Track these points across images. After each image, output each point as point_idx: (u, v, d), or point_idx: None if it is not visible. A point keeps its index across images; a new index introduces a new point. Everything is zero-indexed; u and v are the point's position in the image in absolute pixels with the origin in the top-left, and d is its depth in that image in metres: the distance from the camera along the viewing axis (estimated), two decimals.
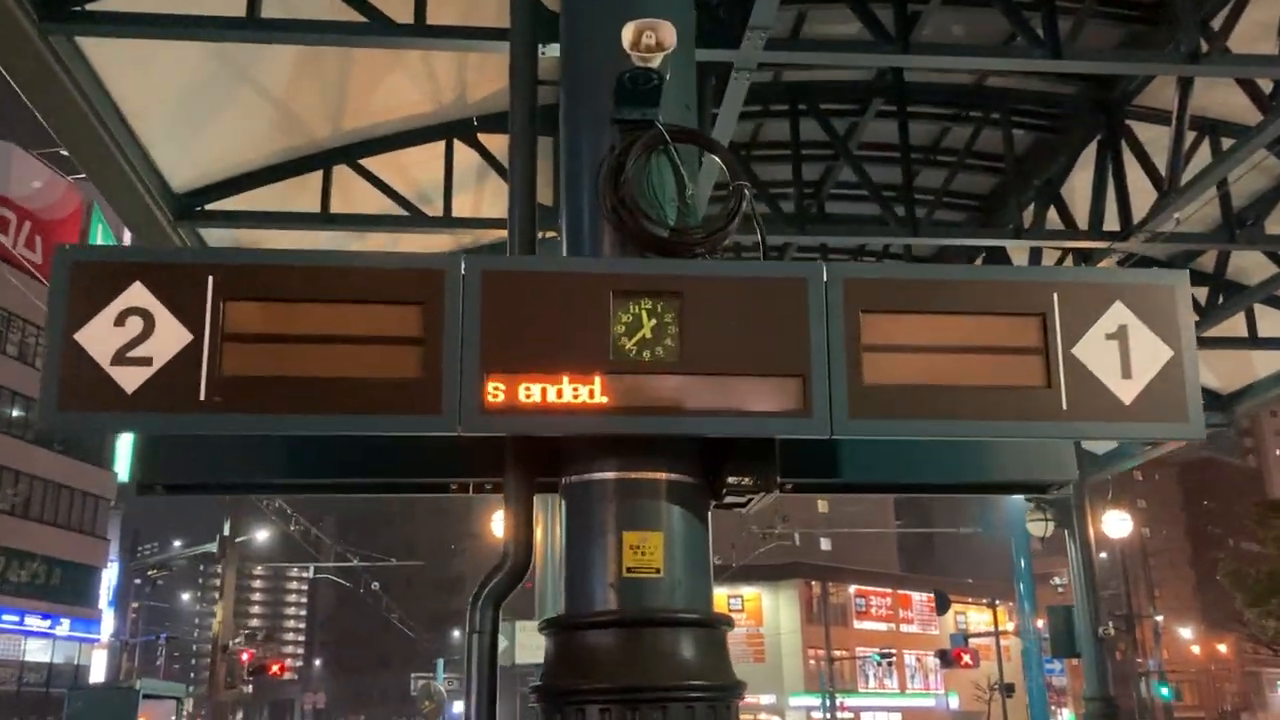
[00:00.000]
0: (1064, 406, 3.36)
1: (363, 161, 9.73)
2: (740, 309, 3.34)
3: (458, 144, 9.86)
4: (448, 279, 3.27)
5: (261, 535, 31.95)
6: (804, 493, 4.19)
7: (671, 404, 3.24)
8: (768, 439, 3.47)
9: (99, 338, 3.18)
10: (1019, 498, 16.71)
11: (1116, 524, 16.76)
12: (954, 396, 3.36)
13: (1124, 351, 3.42)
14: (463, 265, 3.27)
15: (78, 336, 3.26)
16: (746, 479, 3.51)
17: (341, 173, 9.69)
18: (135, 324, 3.19)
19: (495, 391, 3.21)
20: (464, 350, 3.20)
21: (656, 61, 3.51)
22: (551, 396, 3.23)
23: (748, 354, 3.30)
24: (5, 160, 16.36)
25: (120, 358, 3.16)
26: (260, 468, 3.95)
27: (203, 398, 3.12)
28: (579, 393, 3.23)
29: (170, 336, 3.17)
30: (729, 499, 3.62)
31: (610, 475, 3.51)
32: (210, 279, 3.23)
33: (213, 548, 25.01)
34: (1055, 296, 3.43)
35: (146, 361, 3.16)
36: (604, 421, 3.24)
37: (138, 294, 3.29)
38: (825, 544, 60.68)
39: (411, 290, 3.27)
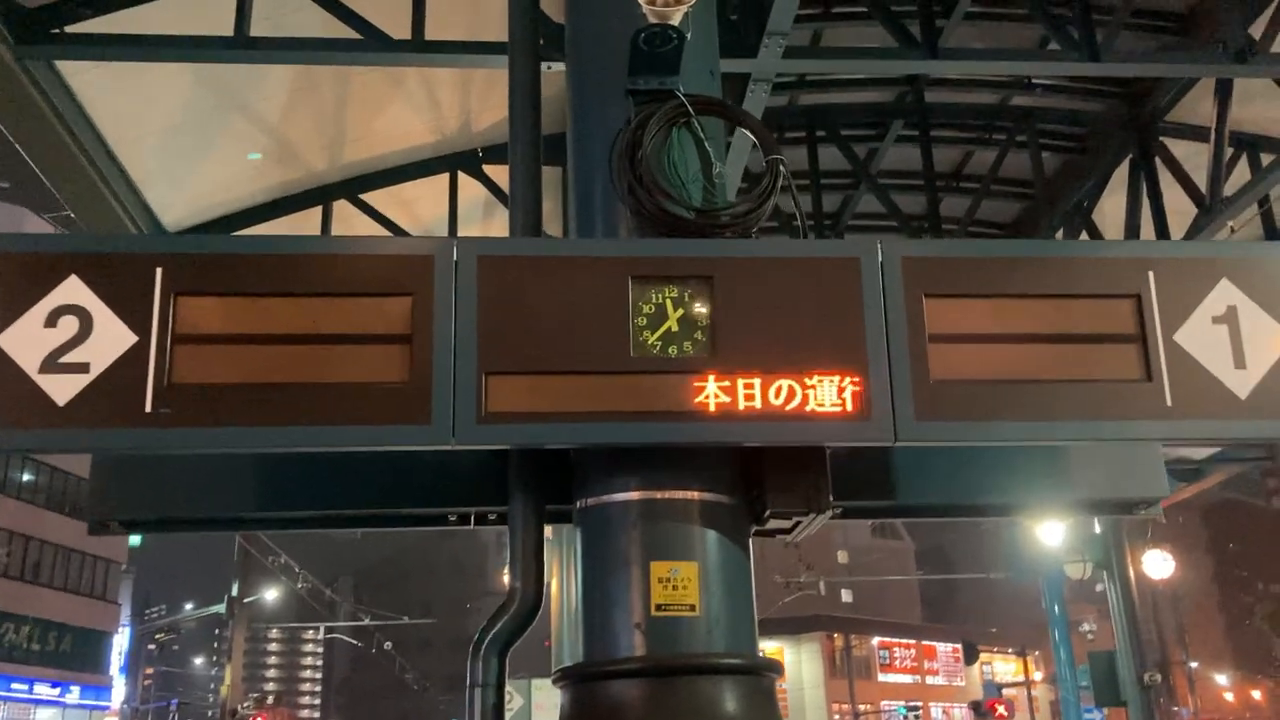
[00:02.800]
0: (1168, 403, 3.03)
1: (364, 196, 9.40)
2: (782, 295, 3.06)
3: (462, 177, 9.51)
4: (438, 266, 2.98)
5: (271, 595, 31.38)
6: (856, 516, 3.75)
7: (704, 408, 2.94)
8: (817, 448, 3.16)
9: (25, 341, 2.82)
10: (1051, 536, 16.11)
11: (1158, 564, 16.05)
12: (1036, 394, 3.05)
13: (1235, 337, 3.09)
14: (455, 250, 3.00)
15: (0, 341, 2.83)
16: (793, 498, 3.17)
17: (342, 208, 9.35)
18: (69, 325, 2.85)
19: (495, 396, 2.92)
20: (458, 348, 2.92)
21: (676, 18, 3.22)
22: (562, 401, 2.94)
23: (792, 348, 3.01)
24: (18, 225, 16.19)
25: (51, 364, 2.82)
26: (228, 498, 3.55)
27: (149, 409, 2.79)
28: (594, 396, 2.95)
29: (110, 338, 2.84)
30: (772, 522, 3.27)
31: (633, 495, 3.20)
32: (159, 270, 2.91)
33: (221, 609, 24.50)
34: (1151, 275, 3.12)
35: (82, 368, 2.82)
36: (624, 430, 2.95)
37: (73, 289, 2.90)
38: (846, 595, 59.82)
39: (396, 280, 2.98)
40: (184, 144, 8.24)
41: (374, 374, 2.89)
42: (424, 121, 9.01)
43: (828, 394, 2.98)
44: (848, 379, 2.99)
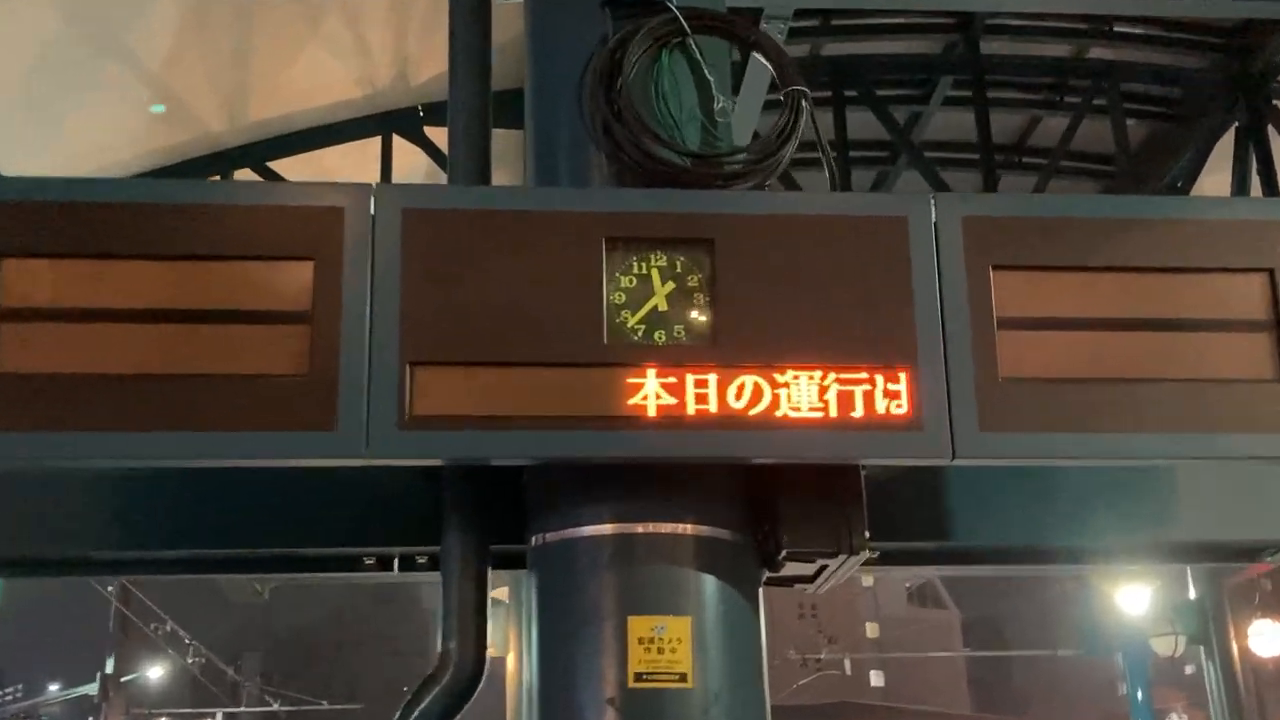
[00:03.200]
0: None
1: (272, 164, 9.40)
2: (805, 266, 3.00)
3: (398, 141, 9.51)
4: (349, 222, 2.92)
5: (156, 672, 31.09)
6: (897, 563, 3.69)
7: (700, 413, 2.88)
8: (850, 469, 3.11)
9: None
10: (1133, 602, 16.00)
11: (1268, 638, 15.89)
12: (1137, 397, 2.98)
13: None
14: (373, 200, 2.95)
15: None
16: (818, 534, 3.11)
17: (245, 179, 9.23)
18: None
19: (423, 394, 2.85)
20: (374, 330, 2.86)
21: None
22: (513, 402, 2.87)
23: (817, 335, 2.97)
24: None
25: None
26: (76, 533, 3.49)
27: None
28: (556, 396, 2.89)
29: None
30: (789, 566, 3.20)
31: (606, 529, 3.13)
32: None
33: (93, 690, 24.25)
34: None
35: None
36: (596, 440, 2.88)
37: None
38: (876, 678, 59.71)
39: (293, 239, 2.91)
40: (44, 96, 8.08)
41: (261, 364, 2.83)
42: (349, 71, 8.94)
43: (864, 397, 2.92)
44: (890, 377, 2.94)
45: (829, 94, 10.22)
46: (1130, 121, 10.45)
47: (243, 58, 8.56)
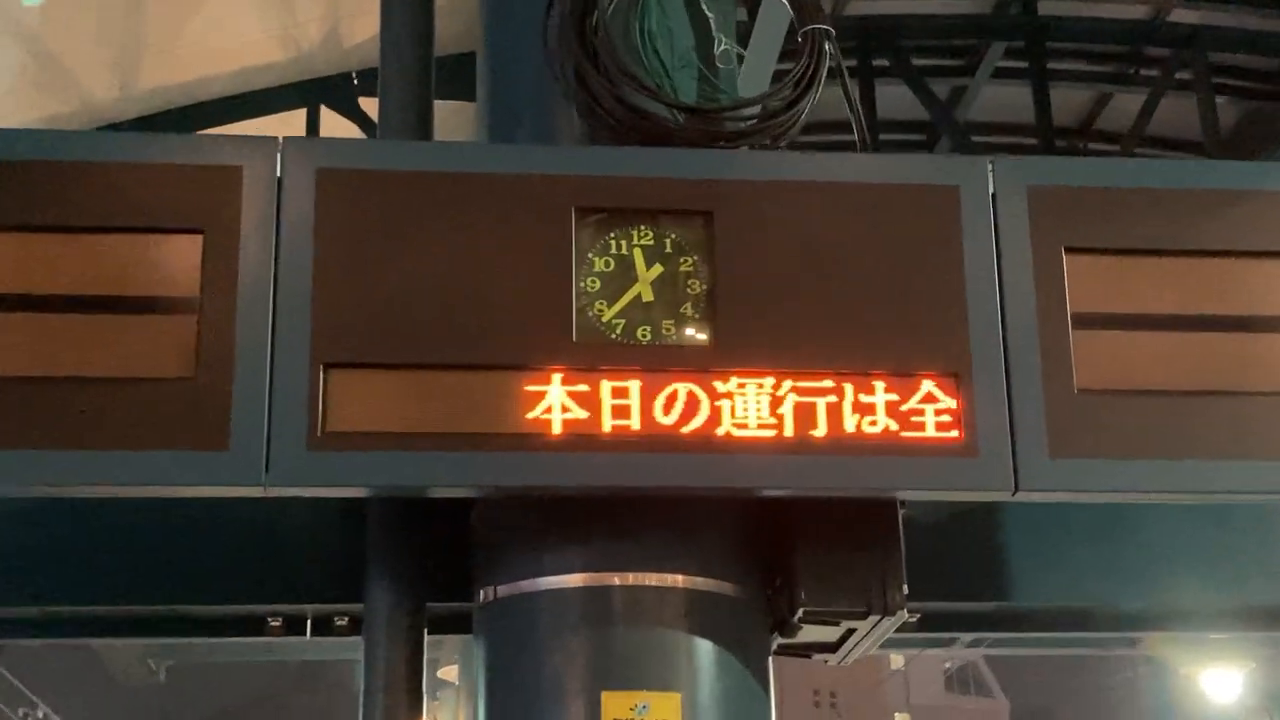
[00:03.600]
0: None
1: None
2: (828, 247, 3.02)
3: (327, 114, 9.50)
4: (249, 185, 2.93)
5: None
6: (940, 629, 3.74)
7: (703, 431, 2.88)
8: (885, 504, 3.12)
9: None
10: (1221, 687, 16.02)
11: None
12: (1248, 415, 2.99)
13: None
14: (280, 157, 2.96)
15: None
16: (844, 589, 3.11)
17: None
18: None
19: (340, 405, 2.84)
20: (278, 323, 2.86)
21: None
22: (455, 416, 2.87)
23: (843, 334, 2.98)
24: None
25: None
26: None
27: None
28: (511, 408, 2.87)
29: None
30: (806, 630, 3.21)
31: (575, 580, 3.11)
32: None
33: None
34: None
35: None
36: (562, 466, 2.88)
37: None
38: None
39: (178, 206, 2.91)
40: None
41: (133, 365, 2.81)
42: (268, 28, 8.88)
43: (902, 413, 2.91)
44: (937, 387, 2.93)
45: (854, 63, 10.17)
46: (1220, 99, 10.44)
47: (135, 13, 8.52)
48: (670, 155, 3.15)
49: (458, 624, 3.36)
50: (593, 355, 2.89)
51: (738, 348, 2.92)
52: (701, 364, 2.90)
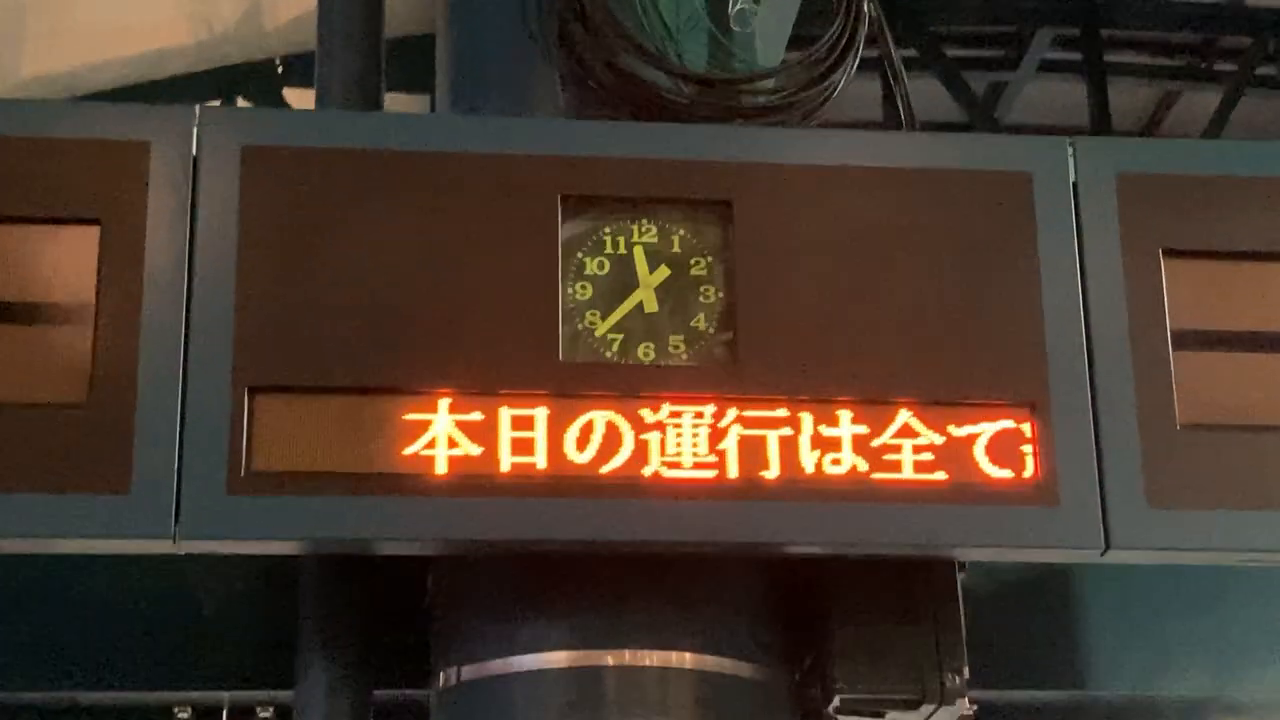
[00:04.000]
0: None
1: None
2: (869, 246, 3.03)
3: (245, 106, 9.33)
4: (157, 166, 2.92)
5: None
6: None
7: (710, 480, 2.89)
8: (939, 568, 3.12)
9: None
10: None
11: None
12: None
13: None
14: (196, 133, 2.95)
15: None
16: (890, 670, 3.08)
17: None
18: None
19: (268, 439, 2.84)
20: (192, 336, 2.85)
21: None
22: (410, 456, 2.85)
23: (891, 354, 2.98)
24: None
25: None
26: None
27: None
28: (481, 445, 2.86)
29: None
30: None
31: (556, 659, 3.10)
32: None
33: None
34: None
35: None
36: (544, 516, 2.86)
37: None
38: None
39: (70, 192, 2.92)
40: None
41: (13, 388, 2.79)
42: (175, 7, 8.91)
43: (961, 451, 2.91)
44: (1007, 419, 2.93)
45: (875, 54, 10.25)
46: None
47: None
48: (679, 132, 3.15)
49: (411, 715, 3.37)
50: (583, 378, 2.88)
51: (763, 373, 2.91)
52: (709, 386, 2.89)
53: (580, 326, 2.92)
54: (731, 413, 2.85)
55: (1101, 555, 2.87)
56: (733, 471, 2.85)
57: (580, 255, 2.95)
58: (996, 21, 10.16)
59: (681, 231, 2.98)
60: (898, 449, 2.88)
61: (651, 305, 2.94)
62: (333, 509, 2.81)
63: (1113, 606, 3.54)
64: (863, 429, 2.88)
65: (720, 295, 2.95)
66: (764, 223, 2.98)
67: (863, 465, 2.86)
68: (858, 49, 3.41)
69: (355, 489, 2.82)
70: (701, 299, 2.96)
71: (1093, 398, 2.92)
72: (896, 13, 10.00)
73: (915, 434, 2.88)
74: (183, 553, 2.81)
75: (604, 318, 2.93)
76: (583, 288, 2.93)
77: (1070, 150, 3.08)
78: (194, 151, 2.91)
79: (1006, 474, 2.88)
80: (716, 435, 2.86)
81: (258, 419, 2.79)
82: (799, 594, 3.19)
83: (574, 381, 2.88)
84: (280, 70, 9.21)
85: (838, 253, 2.99)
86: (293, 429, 2.82)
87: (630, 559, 3.03)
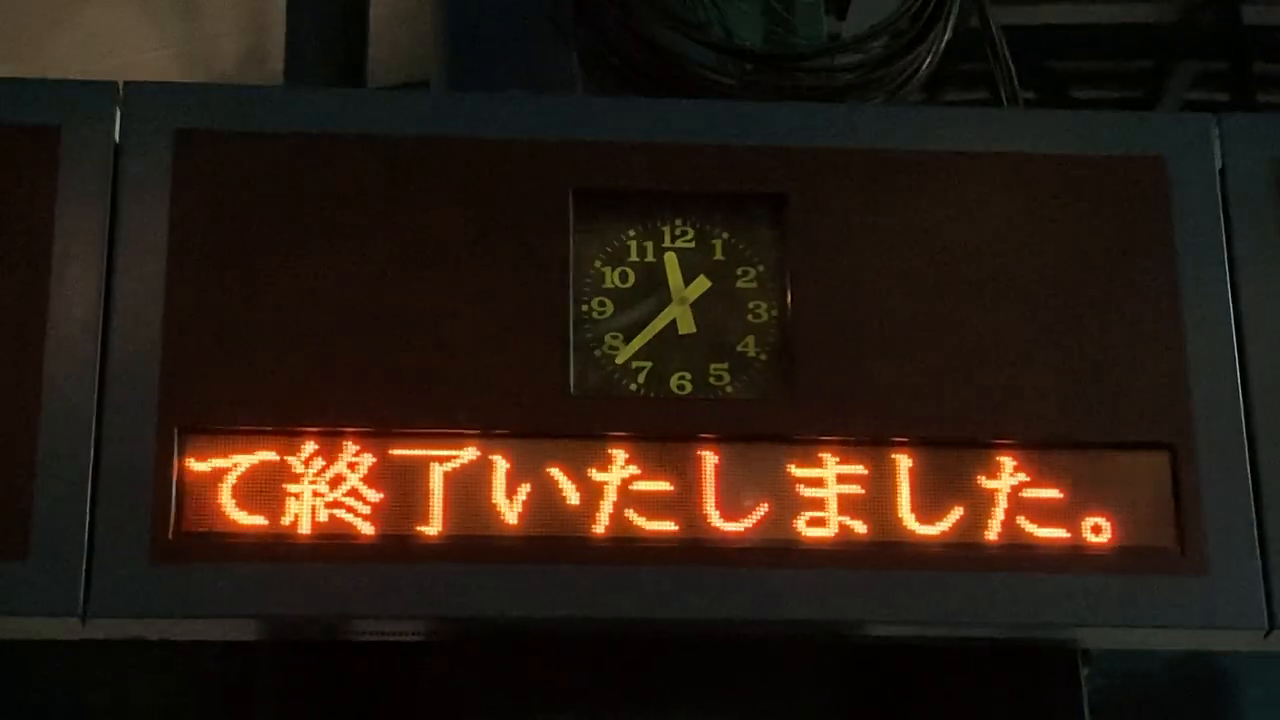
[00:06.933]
0: None
1: None
2: (965, 254, 2.81)
3: None
4: (69, 152, 2.72)
5: None
6: None
7: (757, 542, 2.65)
8: (1058, 654, 2.90)
9: None
10: None
11: None
12: None
13: None
14: (119, 113, 2.75)
15: None
16: None
17: None
18: None
19: (201, 493, 2.60)
20: (110, 360, 2.65)
21: None
22: (372, 519, 2.59)
23: (990, 388, 2.75)
24: None
25: None
26: None
27: None
28: (467, 502, 2.63)
29: None
30: None
31: None
32: None
33: None
34: None
35: None
36: (554, 585, 2.63)
37: None
38: None
39: None
40: None
41: None
42: (165, 45, 8.81)
43: (1070, 507, 2.65)
44: (1142, 466, 2.71)
45: (985, 94, 10.06)
46: None
47: None
48: (721, 110, 2.94)
49: None
50: (601, 415, 2.64)
51: (827, 410, 2.67)
52: (758, 425, 2.66)
53: (598, 353, 2.69)
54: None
55: (1265, 637, 2.62)
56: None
57: (598, 264, 2.75)
58: (1129, 56, 9.94)
59: (725, 235, 2.77)
60: (997, 502, 2.62)
61: (687, 325, 2.71)
62: (287, 579, 2.57)
63: (1271, 698, 3.26)
64: (953, 480, 2.63)
65: (773, 313, 2.73)
66: (827, 225, 2.76)
67: (953, 525, 2.58)
68: (951, 16, 3.19)
69: (315, 555, 2.60)
70: (750, 318, 2.73)
71: (1249, 438, 2.67)
72: (1010, 44, 9.76)
73: (1023, 487, 2.62)
74: (95, 636, 2.54)
75: (627, 341, 2.71)
76: (600, 304, 2.73)
77: (1216, 131, 2.84)
78: (116, 137, 2.71)
79: (1129, 542, 2.62)
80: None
81: (187, 466, 2.55)
82: (877, 691, 2.98)
83: (589, 419, 2.65)
84: None
85: (920, 261, 2.75)
86: (225, 488, 2.57)
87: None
